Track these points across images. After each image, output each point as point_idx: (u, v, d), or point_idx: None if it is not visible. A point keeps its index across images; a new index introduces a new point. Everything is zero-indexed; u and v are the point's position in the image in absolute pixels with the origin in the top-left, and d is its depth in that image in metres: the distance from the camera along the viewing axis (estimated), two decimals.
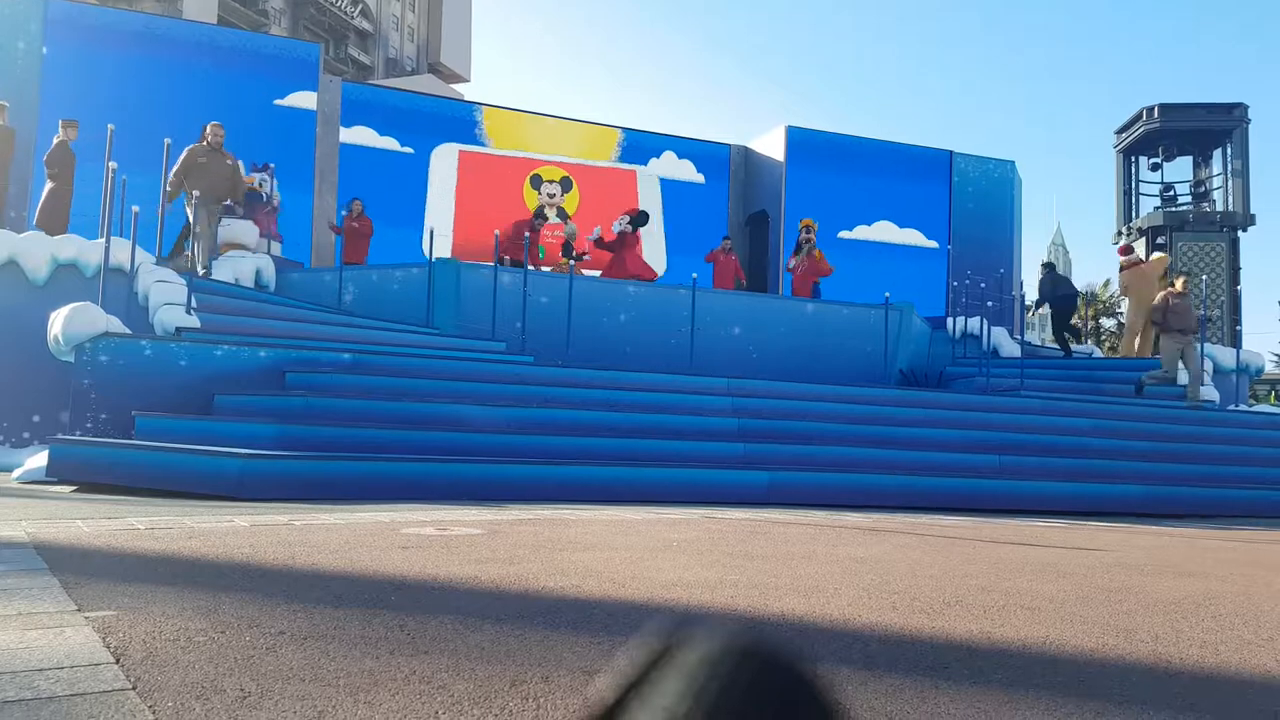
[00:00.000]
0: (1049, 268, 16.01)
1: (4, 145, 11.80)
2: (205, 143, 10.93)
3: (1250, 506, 9.71)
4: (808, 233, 15.93)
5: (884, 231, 19.88)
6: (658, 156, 19.69)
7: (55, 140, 11.69)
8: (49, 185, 11.55)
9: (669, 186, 19.64)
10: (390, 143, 17.34)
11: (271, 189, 15.23)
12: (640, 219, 15.61)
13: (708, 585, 3.66)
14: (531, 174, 18.57)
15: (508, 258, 12.96)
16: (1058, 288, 15.33)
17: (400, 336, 10.68)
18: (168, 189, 10.64)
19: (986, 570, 4.46)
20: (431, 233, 13.33)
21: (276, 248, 14.64)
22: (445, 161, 17.80)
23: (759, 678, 0.43)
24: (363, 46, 49.85)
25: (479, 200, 17.69)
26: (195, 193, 10.65)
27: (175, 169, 10.68)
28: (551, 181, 18.66)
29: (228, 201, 11.27)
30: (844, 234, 19.36)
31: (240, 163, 11.65)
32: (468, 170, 17.93)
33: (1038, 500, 8.90)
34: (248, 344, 8.79)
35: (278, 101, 15.98)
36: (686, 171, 19.95)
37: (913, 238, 20.19)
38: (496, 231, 12.47)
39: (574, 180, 18.81)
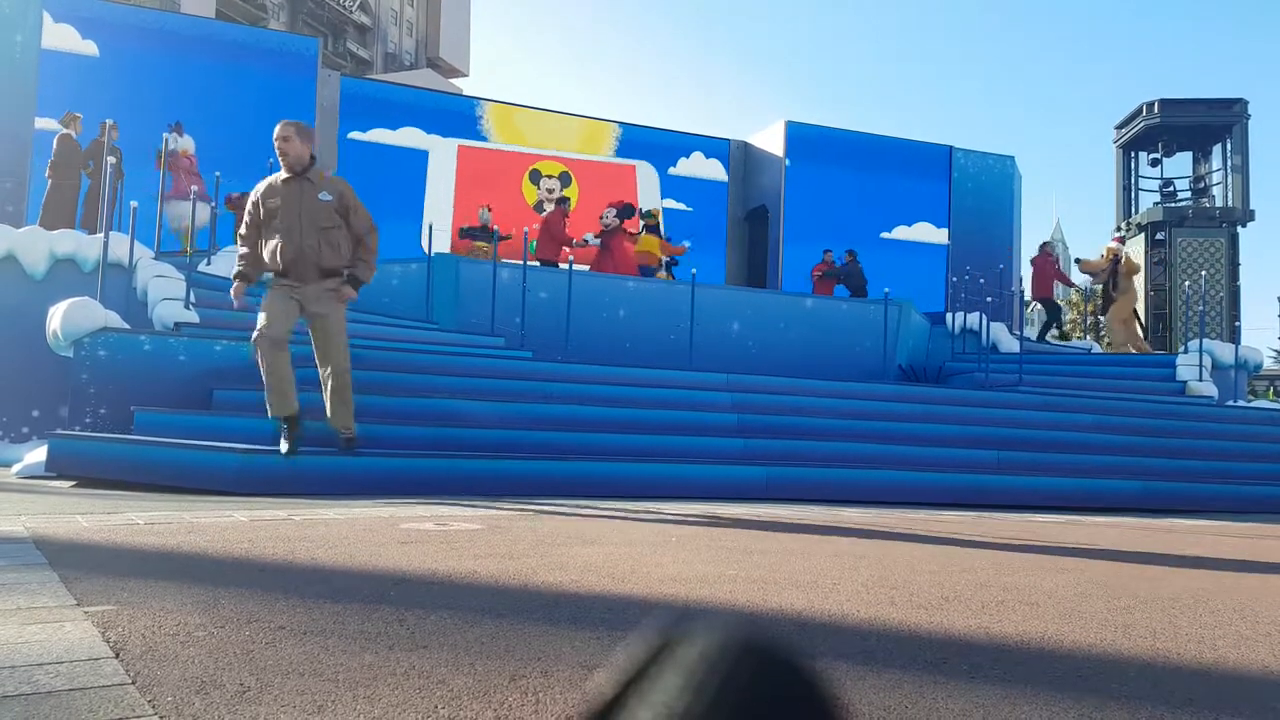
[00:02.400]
0: (853, 254, 18.20)
1: (72, 153, 12.03)
2: (282, 174, 6.25)
3: (1249, 502, 9.73)
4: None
5: (899, 230, 19.99)
6: (687, 156, 19.82)
7: (94, 140, 12.25)
8: (89, 183, 12.18)
9: (694, 185, 19.76)
10: (389, 137, 17.33)
11: (175, 144, 13.35)
12: (626, 210, 15.71)
13: (706, 580, 3.66)
14: (530, 169, 18.62)
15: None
16: (851, 280, 17.44)
17: (399, 331, 10.68)
18: (239, 264, 6.51)
19: (985, 566, 4.47)
20: (430, 227, 13.32)
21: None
22: (444, 156, 17.86)
23: (758, 673, 0.43)
24: (361, 41, 49.75)
25: (478, 194, 17.74)
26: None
27: (241, 222, 6.60)
28: (550, 176, 18.71)
29: (344, 273, 6.38)
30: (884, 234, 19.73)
31: (350, 188, 6.33)
32: (467, 165, 17.99)
33: (1037, 495, 8.92)
34: (247, 339, 8.77)
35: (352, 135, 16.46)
36: (715, 171, 20.09)
37: (919, 233, 20.27)
38: (496, 228, 12.46)
39: (573, 175, 18.85)
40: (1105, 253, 16.15)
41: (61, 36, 14.60)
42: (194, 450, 6.74)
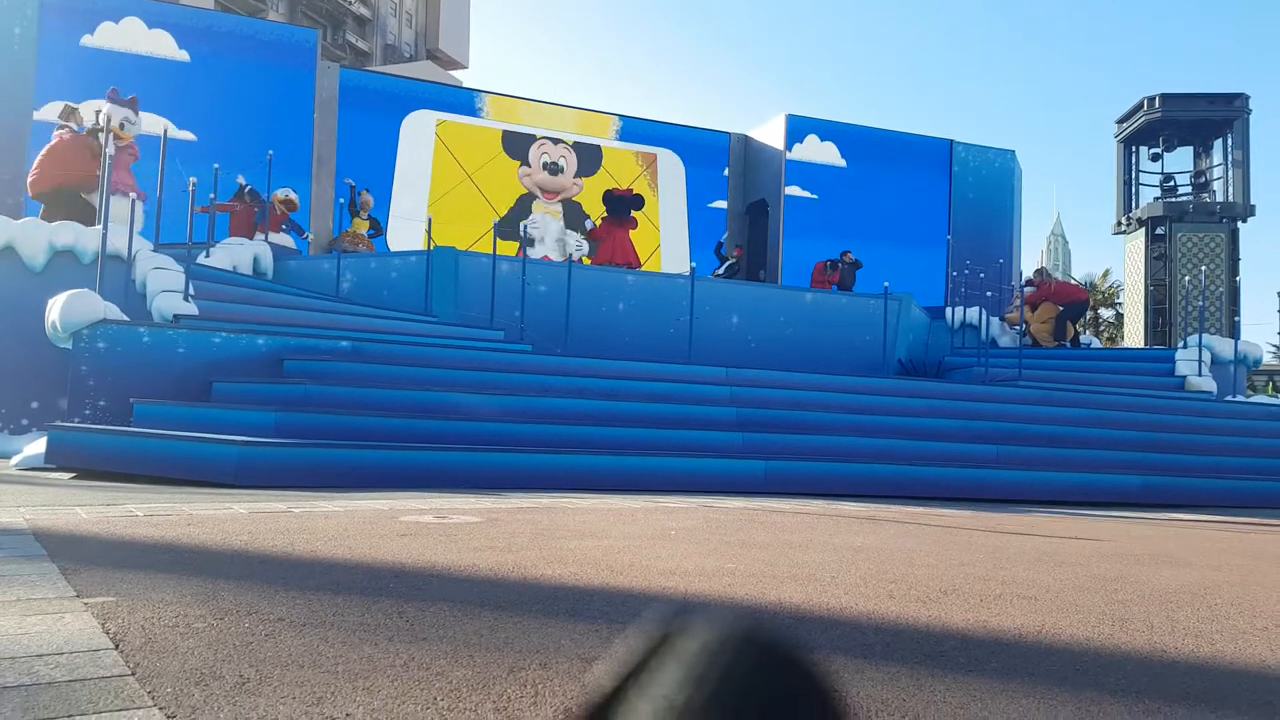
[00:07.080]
0: (848, 254, 17.36)
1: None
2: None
3: (1247, 497, 9.73)
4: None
5: (898, 224, 19.91)
6: (800, 141, 19.67)
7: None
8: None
9: (815, 170, 19.65)
10: (389, 129, 17.29)
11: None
12: (635, 202, 15.73)
13: (706, 574, 3.67)
14: (539, 146, 18.35)
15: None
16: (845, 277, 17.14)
17: (399, 324, 10.67)
18: None
19: (983, 559, 4.48)
20: (429, 221, 13.30)
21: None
22: (422, 134, 17.39)
23: (757, 666, 0.43)
24: (360, 33, 49.60)
25: (462, 176, 17.51)
26: None
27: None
28: (560, 143, 18.46)
29: None
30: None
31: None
32: (451, 143, 17.67)
33: (1035, 490, 8.92)
34: (246, 331, 8.78)
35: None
36: (833, 155, 20.15)
37: (919, 227, 20.29)
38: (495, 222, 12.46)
39: (583, 155, 18.59)
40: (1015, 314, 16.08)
41: (59, 27, 14.57)
42: (193, 442, 6.74)
